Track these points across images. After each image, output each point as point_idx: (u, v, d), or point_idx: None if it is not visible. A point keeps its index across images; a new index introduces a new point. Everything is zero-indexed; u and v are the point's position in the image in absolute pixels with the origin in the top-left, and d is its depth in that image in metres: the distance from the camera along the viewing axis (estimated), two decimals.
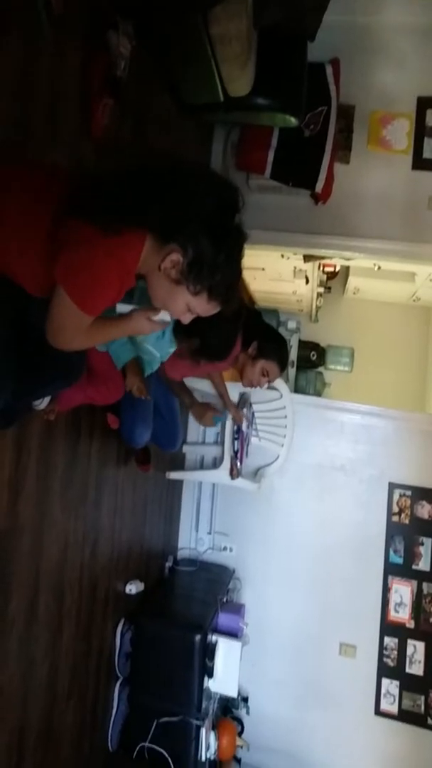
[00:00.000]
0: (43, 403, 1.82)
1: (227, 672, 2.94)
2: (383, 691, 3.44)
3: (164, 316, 1.36)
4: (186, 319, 1.34)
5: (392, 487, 3.56)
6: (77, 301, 1.17)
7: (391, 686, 3.44)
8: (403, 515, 3.54)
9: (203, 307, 1.29)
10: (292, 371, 4.72)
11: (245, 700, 3.50)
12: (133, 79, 2.16)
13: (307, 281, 4.48)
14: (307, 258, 3.98)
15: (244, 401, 3.33)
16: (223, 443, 3.41)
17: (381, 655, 3.47)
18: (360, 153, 3.31)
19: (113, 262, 1.16)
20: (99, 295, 1.19)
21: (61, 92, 1.81)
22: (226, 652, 2.94)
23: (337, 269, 4.99)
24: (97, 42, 1.95)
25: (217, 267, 1.22)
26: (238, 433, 3.24)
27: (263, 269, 4.26)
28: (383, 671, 3.45)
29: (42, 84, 1.71)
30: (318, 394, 4.96)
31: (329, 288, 5.19)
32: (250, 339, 2.38)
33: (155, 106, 2.60)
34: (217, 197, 1.24)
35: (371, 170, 3.30)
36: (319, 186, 3.09)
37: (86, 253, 1.15)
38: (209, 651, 2.90)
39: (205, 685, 2.88)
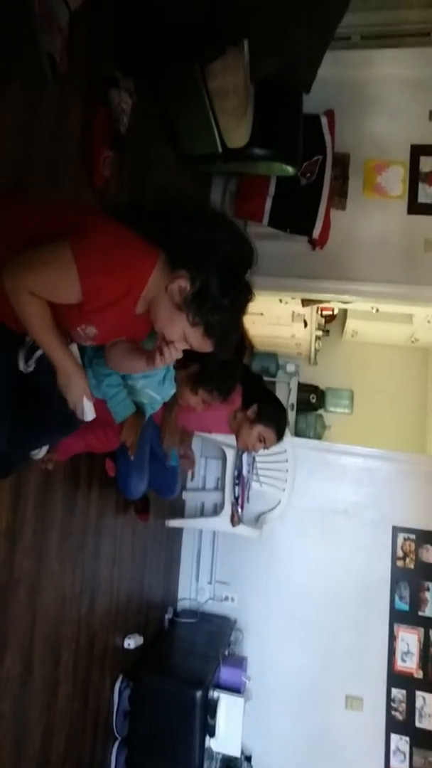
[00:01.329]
0: (41, 453, 1.79)
1: (230, 730, 2.82)
2: (392, 747, 3.30)
3: (89, 411, 1.39)
4: (179, 346, 1.34)
5: (396, 530, 3.50)
6: (80, 261, 1.14)
7: (400, 742, 3.30)
8: (407, 559, 3.47)
9: (198, 340, 1.29)
10: (291, 414, 4.70)
11: (248, 759, 3.34)
12: (134, 129, 2.21)
13: (306, 325, 4.51)
14: (306, 302, 4.01)
15: None
16: (223, 489, 3.36)
17: (389, 708, 3.35)
18: (356, 199, 3.38)
19: (131, 262, 1.19)
20: (103, 275, 1.18)
21: (63, 144, 1.85)
22: (228, 708, 2.83)
23: (335, 312, 5.03)
24: (99, 97, 2.01)
25: (219, 308, 1.23)
26: (238, 478, 3.20)
27: (262, 314, 4.30)
28: (392, 726, 3.32)
29: (45, 136, 1.74)
30: (318, 436, 4.93)
31: (327, 331, 5.22)
32: (251, 401, 2.35)
33: (155, 155, 2.65)
34: (235, 246, 1.27)
35: (367, 216, 3.36)
36: (316, 232, 3.14)
37: (112, 240, 1.18)
38: (211, 708, 2.79)
39: (207, 744, 2.76)
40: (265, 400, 2.43)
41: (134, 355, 1.50)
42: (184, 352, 1.39)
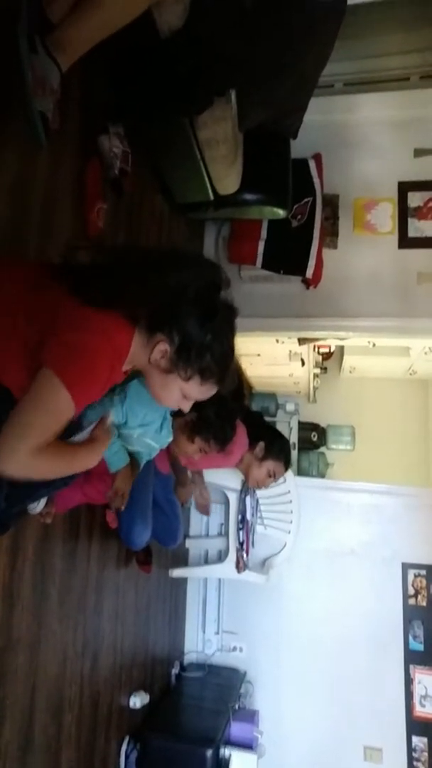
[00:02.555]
0: (39, 506, 1.75)
1: None
2: None
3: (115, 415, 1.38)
4: (185, 407, 1.32)
5: (406, 567, 3.43)
6: (69, 384, 1.06)
7: None
8: (419, 597, 3.38)
9: (197, 390, 1.27)
10: (294, 453, 4.66)
11: None
12: (127, 180, 2.25)
13: (303, 363, 4.51)
14: (302, 341, 4.02)
15: (247, 488, 3.24)
16: (227, 534, 3.29)
17: (410, 758, 3.21)
18: (347, 237, 3.42)
19: (108, 348, 1.13)
20: (92, 380, 1.12)
21: (57, 199, 1.87)
22: (241, 766, 2.69)
23: (332, 349, 5.04)
24: (91, 149, 2.05)
25: (205, 348, 1.21)
26: (242, 522, 3.14)
27: (259, 355, 4.30)
28: None
29: (39, 193, 1.76)
30: (321, 475, 4.87)
31: (325, 368, 5.23)
32: (256, 439, 2.38)
33: (147, 205, 2.69)
34: (196, 280, 1.23)
35: (359, 253, 3.40)
36: (309, 272, 3.17)
37: (83, 335, 1.11)
38: (223, 767, 2.65)
39: None
40: (269, 436, 2.46)
41: None
42: None
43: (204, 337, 1.20)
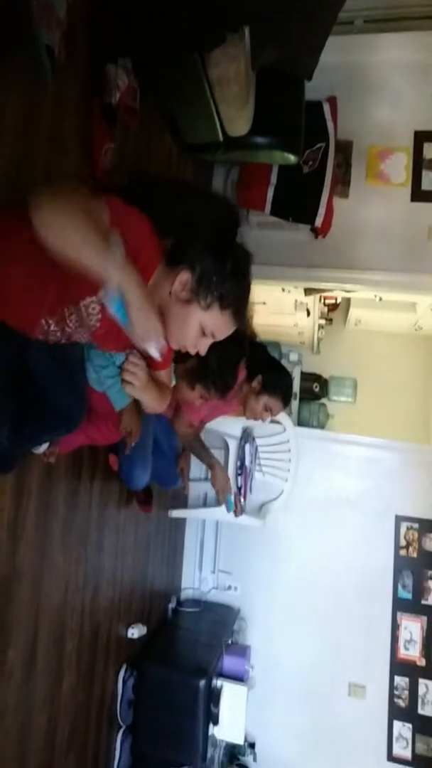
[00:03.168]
0: (42, 447, 1.79)
1: (233, 718, 2.85)
2: (395, 734, 3.33)
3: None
4: (202, 347, 1.31)
5: (399, 519, 3.50)
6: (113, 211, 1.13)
7: (403, 729, 3.33)
8: (410, 549, 3.47)
9: (217, 322, 1.27)
10: (294, 403, 4.69)
11: (252, 746, 3.38)
12: (135, 120, 2.19)
13: (309, 314, 4.49)
14: (308, 291, 3.99)
15: (246, 435, 3.29)
16: None
17: (392, 696, 3.37)
18: (359, 187, 3.35)
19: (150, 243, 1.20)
20: (133, 229, 1.16)
21: (64, 136, 1.84)
22: (231, 697, 2.86)
23: (338, 301, 5.00)
24: (98, 85, 1.98)
25: (226, 276, 1.23)
26: (241, 468, 3.20)
27: (264, 303, 4.28)
28: (395, 713, 3.34)
29: (45, 129, 1.73)
30: (321, 426, 4.92)
31: (330, 320, 5.19)
32: (255, 372, 2.34)
33: (156, 146, 2.63)
34: (216, 215, 1.27)
35: (370, 204, 3.33)
36: (319, 221, 3.11)
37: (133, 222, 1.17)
38: (214, 697, 2.81)
39: (211, 732, 2.79)
40: (269, 369, 2.41)
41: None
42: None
43: (224, 267, 1.23)
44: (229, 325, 1.30)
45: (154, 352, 1.24)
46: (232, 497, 2.78)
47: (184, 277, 1.22)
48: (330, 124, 3.16)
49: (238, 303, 1.28)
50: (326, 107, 3.18)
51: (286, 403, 2.46)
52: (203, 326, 1.27)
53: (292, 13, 2.34)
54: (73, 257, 1.05)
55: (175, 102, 2.55)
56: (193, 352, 1.33)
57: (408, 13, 3.29)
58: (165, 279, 1.24)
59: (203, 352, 1.33)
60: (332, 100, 3.23)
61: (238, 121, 2.59)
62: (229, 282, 1.24)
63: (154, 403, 1.43)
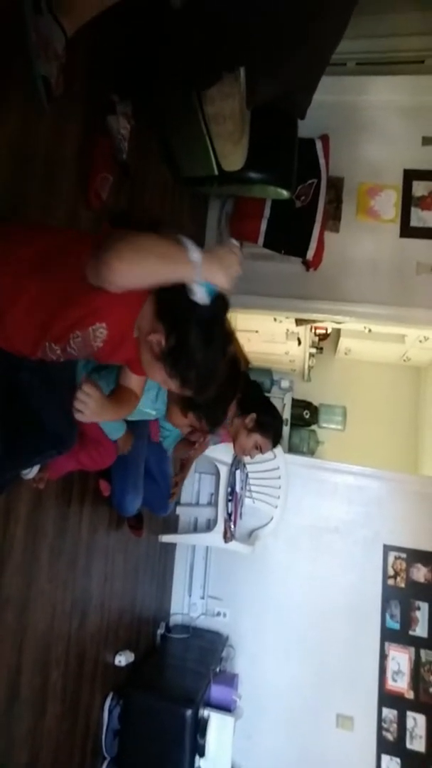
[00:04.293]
0: (32, 473, 1.80)
1: (220, 750, 2.81)
2: None
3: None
4: (169, 387, 1.36)
5: (387, 549, 3.51)
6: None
7: (391, 764, 3.29)
8: (398, 578, 3.47)
9: (177, 389, 1.33)
10: (285, 429, 4.72)
11: None
12: (131, 152, 2.24)
13: (300, 343, 4.56)
14: (299, 321, 4.06)
15: (237, 461, 3.31)
16: (216, 505, 3.37)
17: (380, 729, 3.33)
18: (349, 222, 3.43)
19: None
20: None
21: (58, 167, 1.86)
22: (218, 728, 2.82)
23: (329, 331, 5.08)
24: (96, 119, 2.03)
25: (193, 364, 1.26)
26: (232, 494, 3.21)
27: (257, 331, 4.35)
28: (383, 746, 3.30)
29: (40, 160, 1.76)
30: (311, 452, 4.95)
31: (321, 348, 5.26)
32: (249, 410, 2.38)
33: (152, 177, 2.69)
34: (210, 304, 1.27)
35: (360, 238, 3.41)
36: (310, 254, 3.19)
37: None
38: (201, 727, 2.78)
39: (197, 764, 2.75)
40: (263, 409, 2.45)
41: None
42: None
43: (195, 355, 1.26)
44: (189, 394, 1.35)
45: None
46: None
47: (158, 338, 1.25)
48: (322, 161, 3.25)
49: (199, 388, 1.32)
50: (319, 145, 3.27)
51: (275, 443, 2.50)
52: (166, 382, 1.33)
53: (287, 54, 2.41)
54: (162, 280, 1.19)
55: (172, 136, 2.62)
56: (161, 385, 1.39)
57: (398, 57, 3.44)
58: (149, 318, 1.26)
59: (172, 389, 1.36)
60: (325, 138, 3.33)
61: (232, 156, 2.67)
62: (195, 370, 1.27)
63: (112, 419, 1.50)
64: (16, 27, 1.49)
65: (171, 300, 1.24)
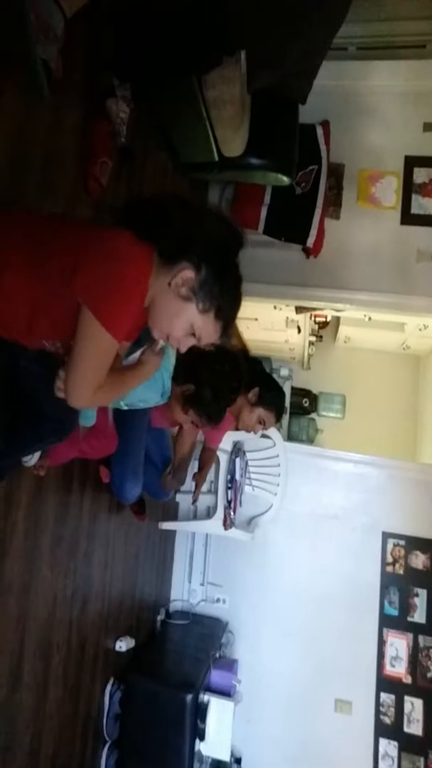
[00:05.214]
0: (33, 459, 1.80)
1: (220, 734, 2.84)
2: (381, 752, 3.33)
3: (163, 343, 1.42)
4: (184, 346, 1.33)
5: (386, 536, 3.53)
6: (107, 324, 1.15)
7: (389, 747, 3.33)
8: (397, 565, 3.50)
9: (208, 328, 1.29)
10: (285, 417, 4.73)
11: (238, 761, 3.37)
12: (131, 138, 2.23)
13: (299, 330, 4.55)
14: (299, 309, 4.05)
15: (237, 449, 3.32)
16: (216, 492, 3.38)
17: (378, 713, 3.37)
18: (350, 209, 3.41)
19: (138, 274, 1.19)
20: (126, 312, 1.18)
21: (57, 151, 1.85)
22: (218, 712, 2.85)
23: (329, 319, 5.07)
24: (95, 103, 2.02)
25: (227, 289, 1.26)
26: (231, 482, 3.22)
27: (256, 319, 4.34)
28: (380, 730, 3.34)
29: (39, 144, 1.75)
30: (311, 440, 4.96)
31: (321, 337, 5.26)
32: (252, 384, 2.37)
33: (151, 163, 2.67)
34: (226, 230, 1.31)
35: (361, 225, 3.39)
36: (310, 241, 3.17)
37: (114, 266, 1.17)
38: (201, 712, 2.81)
39: (197, 748, 2.78)
40: (265, 384, 2.45)
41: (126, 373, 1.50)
42: (183, 371, 1.42)
43: (226, 280, 1.26)
44: (217, 334, 1.32)
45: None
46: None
47: (188, 274, 1.22)
48: (323, 147, 3.23)
49: (229, 317, 1.31)
50: (319, 131, 3.25)
51: (278, 417, 2.51)
52: (194, 326, 1.28)
53: (288, 38, 2.39)
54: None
55: (171, 122, 2.59)
56: (173, 346, 1.35)
57: (400, 41, 3.39)
58: (163, 271, 1.24)
59: (183, 350, 1.35)
60: (325, 124, 3.30)
61: (233, 142, 2.64)
62: (228, 296, 1.27)
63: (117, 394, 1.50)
64: (12, 9, 1.47)
65: (188, 233, 1.25)
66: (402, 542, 3.50)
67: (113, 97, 2.05)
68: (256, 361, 2.56)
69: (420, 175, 3.34)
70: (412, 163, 3.37)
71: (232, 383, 2.07)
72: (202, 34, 2.15)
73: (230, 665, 3.16)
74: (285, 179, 2.90)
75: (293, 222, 3.17)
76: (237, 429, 2.53)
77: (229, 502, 3.23)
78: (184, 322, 1.27)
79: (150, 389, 1.97)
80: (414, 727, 3.31)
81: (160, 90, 2.37)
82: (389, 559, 3.51)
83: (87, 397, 1.26)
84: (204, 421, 2.09)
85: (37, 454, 1.81)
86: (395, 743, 3.32)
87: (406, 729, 3.31)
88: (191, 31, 2.13)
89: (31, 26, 1.51)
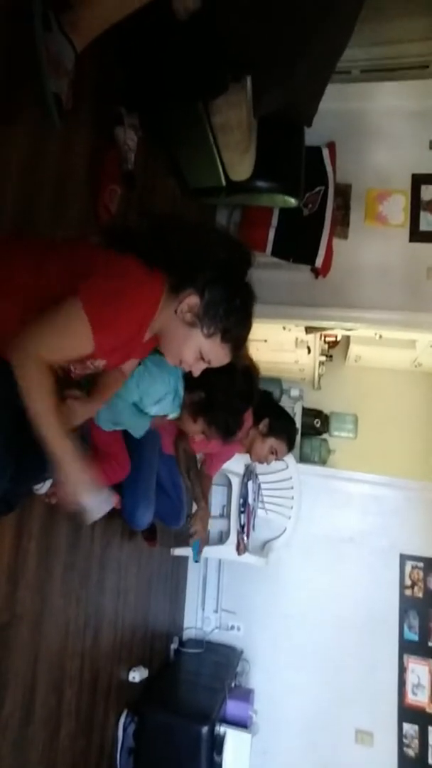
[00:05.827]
0: (44, 487, 1.78)
1: (236, 767, 2.75)
2: None
3: (96, 509, 1.25)
4: (197, 369, 1.35)
5: (404, 558, 3.46)
6: (95, 323, 1.11)
7: None
8: (416, 588, 3.42)
9: (216, 352, 1.30)
10: (296, 439, 4.69)
11: None
12: (139, 164, 2.25)
13: (309, 351, 4.53)
14: (309, 329, 4.04)
15: (249, 472, 3.28)
16: (229, 517, 3.34)
17: (401, 744, 3.26)
18: (358, 228, 3.42)
19: (144, 304, 1.19)
20: (118, 329, 1.18)
21: (68, 180, 1.87)
22: (235, 744, 2.77)
23: (339, 338, 5.04)
24: (104, 133, 2.04)
25: (232, 311, 1.26)
26: (244, 506, 3.18)
27: (265, 341, 4.33)
28: (404, 763, 3.24)
29: (51, 174, 1.77)
30: (323, 461, 4.91)
31: (331, 356, 5.23)
32: (261, 416, 2.39)
33: (160, 188, 2.69)
34: (230, 251, 1.31)
35: (369, 244, 3.39)
36: (319, 261, 3.18)
37: (123, 283, 1.17)
38: (217, 744, 2.73)
39: None
40: (275, 414, 2.47)
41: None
42: (194, 379, 1.41)
43: (232, 301, 1.26)
44: (226, 356, 1.33)
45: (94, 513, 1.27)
46: (200, 545, 2.67)
47: (192, 300, 1.24)
48: (329, 168, 3.25)
49: (238, 338, 1.31)
50: (325, 152, 3.27)
51: (290, 446, 2.51)
52: (202, 351, 1.30)
53: (292, 62, 2.42)
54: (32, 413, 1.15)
55: (179, 147, 2.62)
56: (187, 370, 1.37)
57: (402, 63, 3.42)
58: (170, 300, 1.26)
59: (197, 373, 1.36)
60: (331, 146, 3.33)
61: (240, 166, 2.66)
62: (234, 317, 1.27)
63: (101, 407, 1.53)
64: (25, 45, 1.50)
65: (191, 256, 1.25)
66: (421, 564, 3.43)
67: (121, 126, 2.07)
68: (264, 394, 2.57)
69: (428, 192, 3.35)
70: (419, 180, 3.38)
71: (243, 389, 2.03)
72: (208, 60, 2.18)
73: (246, 695, 3.08)
74: (292, 201, 2.91)
75: (301, 243, 3.18)
76: (252, 461, 2.54)
77: (242, 527, 3.18)
78: (192, 348, 1.29)
79: (165, 393, 1.96)
80: None
81: (167, 117, 2.39)
82: (408, 582, 3.43)
83: (27, 355, 1.11)
84: (213, 430, 2.03)
85: (49, 482, 1.79)
86: None
87: (431, 761, 3.20)
88: (197, 57, 2.16)
89: (43, 62, 1.54)
